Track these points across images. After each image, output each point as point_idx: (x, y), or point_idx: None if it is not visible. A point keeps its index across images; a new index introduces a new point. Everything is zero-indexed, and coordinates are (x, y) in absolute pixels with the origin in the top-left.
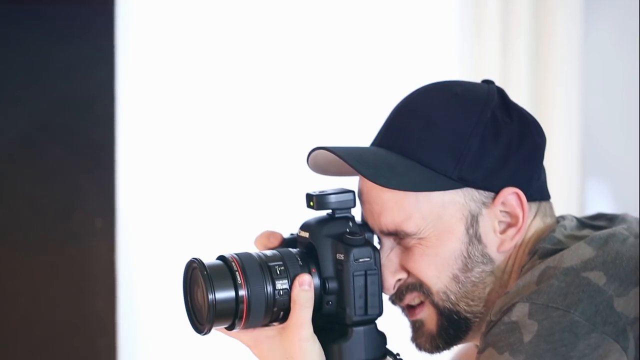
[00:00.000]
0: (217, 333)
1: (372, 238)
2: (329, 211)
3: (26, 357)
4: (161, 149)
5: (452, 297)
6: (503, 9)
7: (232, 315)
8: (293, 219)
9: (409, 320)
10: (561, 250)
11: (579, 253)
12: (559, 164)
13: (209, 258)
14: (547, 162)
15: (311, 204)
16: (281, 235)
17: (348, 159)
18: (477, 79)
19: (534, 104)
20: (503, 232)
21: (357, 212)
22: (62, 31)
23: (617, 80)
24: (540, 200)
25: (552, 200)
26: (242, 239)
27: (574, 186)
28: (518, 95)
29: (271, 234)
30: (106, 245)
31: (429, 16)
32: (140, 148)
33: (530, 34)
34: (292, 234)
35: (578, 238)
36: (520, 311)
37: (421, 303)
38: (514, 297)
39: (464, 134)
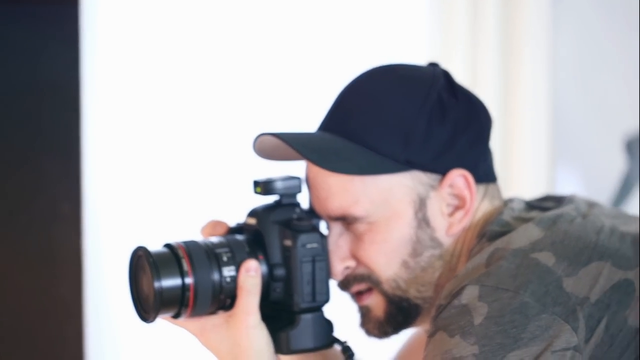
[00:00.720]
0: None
1: (319, 224)
2: (276, 198)
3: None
4: (127, 132)
5: (402, 284)
6: None
7: (178, 303)
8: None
9: (357, 306)
10: (509, 232)
11: (527, 234)
12: (529, 151)
13: (157, 246)
14: (517, 150)
15: (258, 189)
16: (227, 224)
17: (294, 144)
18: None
19: (503, 90)
20: (451, 214)
21: (304, 199)
22: (27, 14)
23: (586, 65)
24: (488, 182)
25: (524, 187)
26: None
27: (543, 173)
28: (487, 82)
29: (217, 223)
30: (72, 230)
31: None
32: (106, 131)
33: (499, 20)
34: (238, 223)
35: (526, 220)
36: (470, 294)
37: (369, 289)
38: (463, 280)
39: (410, 116)
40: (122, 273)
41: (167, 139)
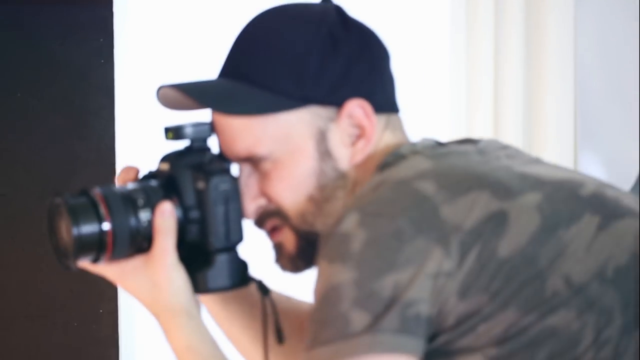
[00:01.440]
0: None
1: (229, 167)
2: (187, 144)
3: (27, 326)
4: (158, 115)
5: (309, 217)
6: None
7: (96, 248)
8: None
9: (272, 242)
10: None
11: (415, 165)
12: (552, 136)
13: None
14: (540, 136)
15: (169, 135)
16: (138, 169)
17: (190, 93)
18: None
19: (527, 78)
20: (353, 144)
21: (215, 144)
22: (61, 2)
23: (608, 51)
24: (390, 113)
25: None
26: None
27: (566, 158)
28: (511, 70)
29: (129, 169)
30: None
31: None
32: (138, 114)
33: (523, 10)
34: (150, 171)
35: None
36: (350, 221)
37: (281, 226)
38: (350, 208)
39: (301, 53)
40: None
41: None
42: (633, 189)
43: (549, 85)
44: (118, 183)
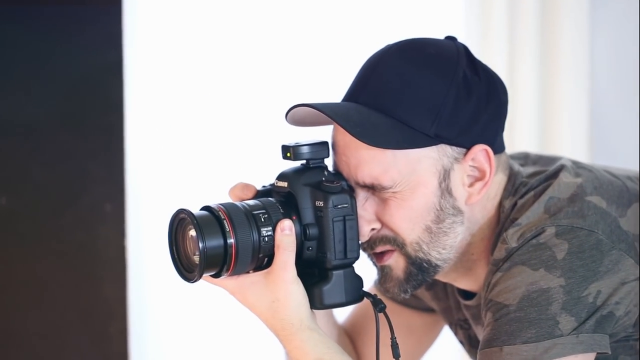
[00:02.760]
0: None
1: (347, 187)
2: (304, 162)
3: (36, 344)
4: (170, 132)
5: (425, 247)
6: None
7: (220, 263)
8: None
9: (377, 266)
10: (536, 187)
11: (568, 180)
12: (567, 149)
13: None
14: (556, 149)
15: (288, 155)
16: (255, 187)
17: (336, 118)
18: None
19: (541, 91)
20: (471, 185)
21: (328, 162)
22: (71, 15)
23: (623, 65)
24: (501, 154)
25: None
26: None
27: None
28: (525, 82)
29: (245, 186)
30: (116, 230)
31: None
32: (149, 132)
33: (537, 20)
34: (264, 186)
35: (538, 173)
36: (547, 233)
37: (390, 250)
38: (530, 227)
39: (440, 93)
40: (165, 273)
41: (207, 139)
42: None
43: (564, 90)
44: (232, 199)
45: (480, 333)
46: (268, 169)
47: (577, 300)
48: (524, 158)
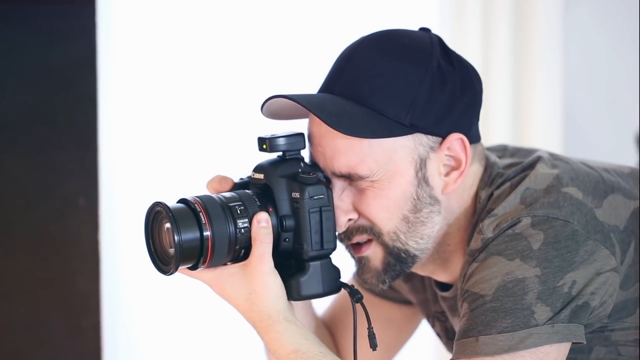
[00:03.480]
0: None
1: (323, 178)
2: (280, 153)
3: (9, 338)
4: (144, 126)
5: (402, 236)
6: None
7: (197, 255)
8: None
9: (354, 257)
10: (511, 179)
11: (544, 172)
12: (540, 136)
13: (171, 201)
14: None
15: (264, 146)
16: (232, 180)
17: (312, 108)
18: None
19: (515, 90)
20: (447, 174)
21: (305, 154)
22: (44, 8)
23: (595, 64)
24: (476, 144)
25: None
26: None
27: None
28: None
29: (222, 178)
30: (89, 224)
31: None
32: (123, 126)
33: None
34: (241, 179)
35: (515, 164)
36: (523, 223)
37: (368, 241)
38: (506, 218)
39: (414, 83)
40: (139, 267)
41: (182, 133)
42: None
43: (538, 99)
44: (210, 191)
45: (457, 324)
46: (245, 162)
47: (553, 290)
48: (502, 150)
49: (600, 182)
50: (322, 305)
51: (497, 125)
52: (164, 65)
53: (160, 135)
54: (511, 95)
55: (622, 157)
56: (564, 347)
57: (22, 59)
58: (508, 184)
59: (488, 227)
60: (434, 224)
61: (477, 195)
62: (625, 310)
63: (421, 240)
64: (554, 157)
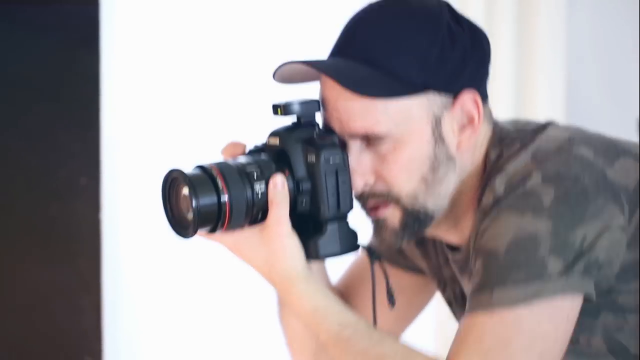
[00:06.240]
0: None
1: (338, 141)
2: (293, 118)
3: (9, 318)
4: (146, 105)
5: (421, 198)
6: None
7: (215, 220)
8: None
9: (372, 218)
10: (526, 136)
11: (556, 134)
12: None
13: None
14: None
15: (279, 111)
16: (245, 145)
17: (326, 71)
18: None
19: (519, 76)
20: (460, 132)
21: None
22: None
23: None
24: (486, 103)
25: None
26: None
27: None
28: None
29: (236, 144)
30: (91, 204)
31: None
32: (125, 105)
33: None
34: (256, 146)
35: (525, 128)
36: (533, 180)
37: (384, 202)
38: (517, 175)
39: (425, 42)
40: (140, 247)
41: (184, 115)
42: None
43: (541, 84)
44: (224, 157)
45: (467, 285)
46: (249, 140)
47: (565, 244)
48: (514, 123)
49: (612, 146)
50: (335, 275)
51: (499, 93)
52: (168, 43)
53: (163, 115)
54: (514, 95)
55: None
56: (577, 301)
57: (23, 40)
58: (518, 144)
59: (499, 184)
60: (450, 182)
61: (487, 154)
62: (632, 272)
63: (439, 199)
64: (565, 125)
